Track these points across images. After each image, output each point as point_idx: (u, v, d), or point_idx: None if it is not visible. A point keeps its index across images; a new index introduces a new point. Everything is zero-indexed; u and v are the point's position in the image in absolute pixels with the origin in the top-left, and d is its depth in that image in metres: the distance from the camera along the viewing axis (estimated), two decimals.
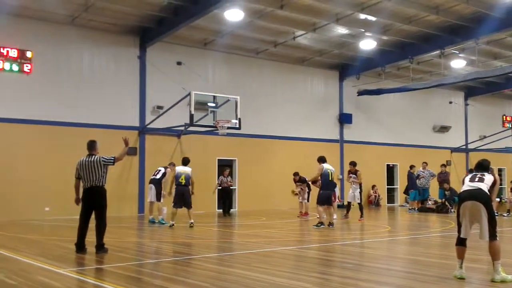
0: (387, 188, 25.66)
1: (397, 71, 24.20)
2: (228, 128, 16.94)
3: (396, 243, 11.29)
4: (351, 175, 16.08)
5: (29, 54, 16.62)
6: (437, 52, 21.28)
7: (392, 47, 21.40)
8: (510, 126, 28.44)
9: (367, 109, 24.84)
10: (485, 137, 27.13)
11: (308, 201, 17.08)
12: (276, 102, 22.04)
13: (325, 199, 13.43)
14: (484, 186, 6.84)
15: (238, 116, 17.10)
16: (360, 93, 23.95)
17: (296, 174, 17.28)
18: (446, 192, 20.09)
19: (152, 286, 6.39)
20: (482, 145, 26.82)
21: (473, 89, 28.57)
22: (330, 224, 13.31)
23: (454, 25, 19.03)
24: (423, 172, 20.68)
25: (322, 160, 13.96)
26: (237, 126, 17.09)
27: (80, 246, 8.78)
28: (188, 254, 8.82)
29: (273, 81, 22.17)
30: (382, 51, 21.49)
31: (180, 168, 13.69)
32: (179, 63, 19.52)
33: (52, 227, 14.14)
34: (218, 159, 20.26)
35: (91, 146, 9.10)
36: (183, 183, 13.41)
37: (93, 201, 8.86)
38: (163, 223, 14.10)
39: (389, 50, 21.53)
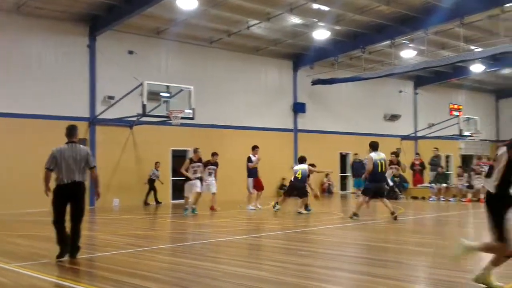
0: (340, 176, 26.11)
1: (349, 60, 24.54)
2: (182, 118, 16.75)
3: (348, 229, 11.51)
4: (393, 166, 16.38)
5: None
6: (388, 42, 21.71)
7: (345, 37, 21.67)
8: (457, 114, 29.40)
9: (320, 98, 25.12)
10: (433, 125, 27.93)
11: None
12: (230, 91, 21.97)
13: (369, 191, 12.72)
14: None
15: (192, 106, 16.94)
16: (314, 82, 24.17)
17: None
18: (396, 179, 20.64)
19: (104, 279, 6.26)
20: (430, 133, 27.62)
21: (422, 78, 29.34)
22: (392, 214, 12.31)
23: (404, 16, 19.43)
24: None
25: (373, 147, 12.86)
26: (191, 116, 16.94)
27: (64, 252, 7.42)
28: (140, 246, 8.70)
29: (227, 70, 22.07)
30: (335, 41, 21.72)
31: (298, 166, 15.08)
32: (131, 52, 19.12)
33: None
34: (172, 150, 20.06)
35: (73, 132, 7.68)
36: (299, 178, 14.65)
37: (73, 200, 7.48)
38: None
39: (342, 40, 21.79)
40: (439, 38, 22.10)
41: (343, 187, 26.31)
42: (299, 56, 23.87)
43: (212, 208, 15.39)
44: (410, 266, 7.05)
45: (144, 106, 16.11)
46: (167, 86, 16.96)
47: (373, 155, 12.47)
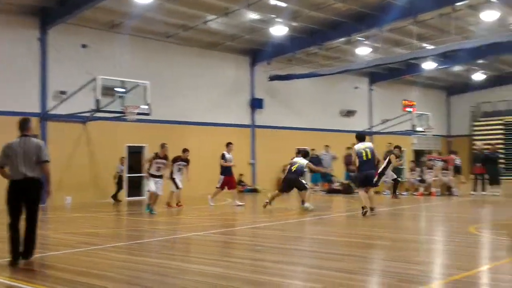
0: None
1: (306, 57, 24.73)
2: (138, 114, 16.46)
3: (304, 224, 11.61)
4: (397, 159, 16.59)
5: None
6: (344, 39, 22.02)
7: (302, 33, 21.80)
8: (410, 110, 30.10)
9: (278, 94, 25.22)
10: (387, 120, 28.52)
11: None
12: (187, 87, 21.75)
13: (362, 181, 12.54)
14: None
15: (148, 102, 16.66)
16: (271, 78, 24.24)
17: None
18: (351, 174, 20.98)
19: (56, 279, 6.08)
20: (385, 128, 28.19)
21: (376, 75, 29.90)
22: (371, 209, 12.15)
23: (359, 13, 19.72)
24: (326, 154, 21.50)
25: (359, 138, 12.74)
26: (147, 112, 16.66)
27: (18, 256, 6.93)
28: (94, 245, 8.49)
29: (185, 65, 21.83)
30: (293, 37, 21.80)
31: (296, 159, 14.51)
32: (84, 46, 18.61)
33: None
34: (128, 146, 19.70)
35: (25, 125, 7.19)
36: (293, 171, 14.02)
37: (28, 197, 7.02)
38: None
39: (299, 36, 21.90)
40: (394, 36, 22.55)
41: None
42: (257, 51, 23.86)
43: (177, 204, 15.05)
44: (364, 259, 7.15)
45: (97, 102, 15.73)
46: (122, 81, 16.60)
47: (357, 145, 12.50)
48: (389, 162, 16.46)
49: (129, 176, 19.47)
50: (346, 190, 20.52)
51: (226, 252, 8.13)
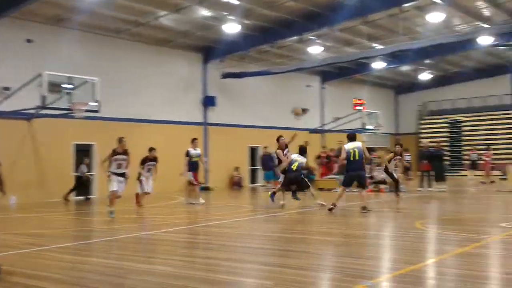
0: (250, 169, 26.38)
1: (259, 55, 24.79)
2: (86, 111, 16.04)
3: (257, 222, 11.63)
4: (397, 157, 15.66)
5: None
6: (296, 37, 22.21)
7: (254, 31, 21.81)
8: (361, 109, 30.73)
9: (231, 92, 25.17)
10: (338, 119, 28.99)
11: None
12: (138, 84, 21.36)
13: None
14: None
15: (97, 99, 16.25)
16: (224, 76, 24.17)
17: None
18: (303, 171, 21.15)
19: (0, 282, 5.83)
20: (336, 126, 28.65)
21: (328, 73, 30.34)
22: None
23: (311, 12, 19.92)
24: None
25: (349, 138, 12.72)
26: (96, 109, 16.26)
27: None
28: (39, 245, 8.20)
29: (135, 62, 21.43)
30: (246, 35, 21.79)
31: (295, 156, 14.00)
32: (29, 41, 17.94)
33: None
34: (76, 144, 19.16)
35: None
36: (294, 170, 13.70)
37: None
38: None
39: (252, 34, 21.91)
40: (344, 35, 22.94)
41: (253, 180, 26.59)
42: (209, 49, 23.72)
43: (137, 202, 14.45)
44: (314, 255, 7.23)
45: (43, 98, 15.22)
46: (70, 77, 16.13)
47: (347, 145, 12.50)
48: (390, 159, 15.59)
49: (76, 175, 18.96)
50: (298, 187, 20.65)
51: (175, 251, 8.03)
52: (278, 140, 14.54)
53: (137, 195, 14.46)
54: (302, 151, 14.31)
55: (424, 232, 9.27)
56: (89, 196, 18.57)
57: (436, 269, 6.24)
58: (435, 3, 19.04)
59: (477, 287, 5.23)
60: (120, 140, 12.41)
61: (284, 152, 14.31)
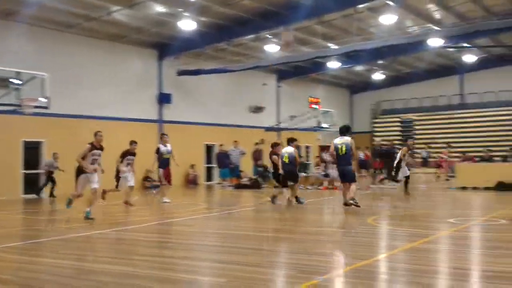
0: (206, 167, 26.27)
1: (216, 52, 24.68)
2: (36, 107, 15.52)
3: (211, 219, 11.59)
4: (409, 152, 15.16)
5: None
6: (253, 36, 22.23)
7: (211, 29, 21.67)
8: (317, 107, 31.10)
9: (186, 89, 24.96)
10: (294, 117, 29.24)
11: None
12: (91, 80, 20.88)
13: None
14: None
15: (47, 95, 15.74)
16: (180, 73, 23.95)
17: None
18: (259, 169, 21.27)
19: None
20: (292, 125, 28.89)
21: (284, 72, 30.56)
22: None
23: (267, 11, 19.97)
24: (234, 150, 21.65)
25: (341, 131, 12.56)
26: (46, 105, 15.74)
27: None
28: None
29: (88, 58, 20.94)
30: (202, 32, 21.61)
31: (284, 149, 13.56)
32: None
33: None
34: (24, 141, 18.55)
35: None
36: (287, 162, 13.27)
37: None
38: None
39: (208, 31, 21.75)
40: (300, 34, 23.11)
41: (209, 178, 26.50)
42: (165, 45, 23.43)
43: (126, 203, 13.50)
44: (268, 252, 7.26)
45: None
46: (18, 73, 15.52)
47: (335, 139, 12.42)
48: (403, 155, 14.96)
49: (24, 173, 18.39)
50: (254, 185, 20.77)
51: (129, 249, 7.89)
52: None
53: (127, 191, 13.83)
54: (289, 142, 13.94)
55: (375, 228, 9.47)
56: (41, 194, 17.96)
57: (386, 264, 6.38)
58: (388, 4, 19.47)
59: (426, 281, 5.37)
60: (96, 134, 11.61)
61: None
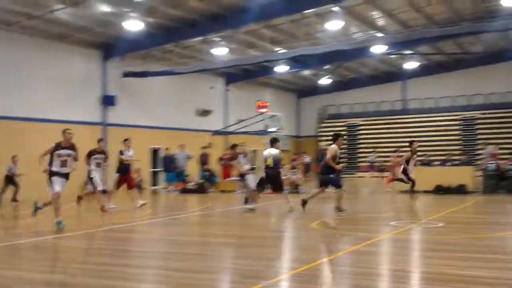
0: (152, 171, 25.84)
1: (162, 54, 24.36)
2: None
3: (155, 225, 11.35)
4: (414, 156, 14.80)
5: None
6: (201, 38, 22.08)
7: (158, 30, 21.35)
8: (264, 111, 31.24)
9: (132, 91, 24.48)
10: (242, 121, 29.27)
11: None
12: (31, 80, 20.11)
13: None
14: None
15: None
16: (125, 75, 23.48)
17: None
18: (205, 173, 21.11)
19: None
20: (240, 128, 28.90)
21: (232, 75, 30.54)
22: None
23: (216, 13, 19.91)
24: (180, 154, 21.42)
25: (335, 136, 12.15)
26: None
27: None
28: None
29: (28, 57, 20.16)
30: (148, 33, 21.23)
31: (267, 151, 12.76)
32: None
33: None
34: None
35: None
36: (271, 166, 12.48)
37: None
38: None
39: (155, 33, 21.41)
40: (248, 38, 23.20)
41: (154, 182, 26.07)
42: (110, 46, 22.88)
43: (102, 209, 12.38)
44: (214, 257, 7.16)
45: None
46: None
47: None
48: (408, 158, 14.80)
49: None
50: (200, 189, 20.58)
51: (68, 257, 7.59)
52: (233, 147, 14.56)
53: (80, 196, 13.34)
54: (272, 142, 12.88)
55: (319, 232, 9.54)
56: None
57: (330, 267, 6.42)
58: (334, 11, 19.81)
59: (369, 284, 5.43)
60: (64, 131, 10.30)
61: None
